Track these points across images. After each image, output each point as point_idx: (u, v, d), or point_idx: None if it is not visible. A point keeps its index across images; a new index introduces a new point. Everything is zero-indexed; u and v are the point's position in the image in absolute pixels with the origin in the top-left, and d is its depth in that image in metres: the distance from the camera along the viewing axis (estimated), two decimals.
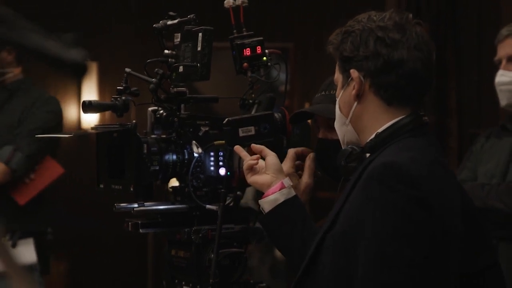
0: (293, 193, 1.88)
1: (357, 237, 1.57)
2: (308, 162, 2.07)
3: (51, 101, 3.58)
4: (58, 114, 3.58)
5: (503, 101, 2.91)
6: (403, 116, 1.70)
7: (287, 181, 1.88)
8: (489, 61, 3.21)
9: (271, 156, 1.91)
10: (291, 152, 2.07)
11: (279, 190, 1.86)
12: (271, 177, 1.88)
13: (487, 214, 2.72)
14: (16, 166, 3.37)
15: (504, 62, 2.89)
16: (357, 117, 1.75)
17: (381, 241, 1.54)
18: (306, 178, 2.05)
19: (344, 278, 1.59)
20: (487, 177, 2.87)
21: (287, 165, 2.05)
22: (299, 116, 2.18)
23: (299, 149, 2.09)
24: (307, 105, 5.25)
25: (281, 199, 1.85)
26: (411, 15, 1.73)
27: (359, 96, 1.72)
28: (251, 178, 1.91)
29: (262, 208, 1.89)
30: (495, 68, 2.99)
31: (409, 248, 1.53)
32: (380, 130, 1.71)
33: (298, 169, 2.09)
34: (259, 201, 1.89)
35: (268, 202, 1.86)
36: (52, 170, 3.52)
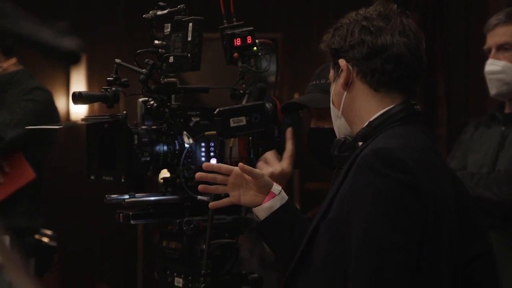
0: (285, 197, 1.88)
1: (349, 224, 1.58)
2: (289, 151, 2.08)
3: (35, 92, 3.22)
4: (41, 104, 3.22)
5: (492, 90, 2.91)
6: (394, 105, 1.72)
7: (275, 188, 1.88)
8: (477, 51, 3.22)
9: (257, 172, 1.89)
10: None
11: (272, 198, 1.86)
12: (257, 195, 1.88)
13: (476, 203, 2.73)
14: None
15: (493, 51, 2.88)
16: (347, 107, 1.76)
17: (372, 226, 1.55)
18: (285, 165, 2.07)
19: (338, 264, 1.60)
20: (477, 166, 2.87)
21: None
22: (289, 106, 2.18)
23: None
24: (296, 95, 5.25)
25: (277, 205, 1.86)
26: (395, 6, 1.75)
27: (347, 85, 1.74)
28: (242, 201, 1.89)
29: (256, 216, 1.89)
30: (483, 57, 2.99)
31: (400, 233, 1.54)
32: (371, 118, 1.72)
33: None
34: (253, 209, 1.89)
35: (263, 210, 1.87)
36: (23, 175, 3.21)
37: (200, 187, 1.90)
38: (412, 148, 1.63)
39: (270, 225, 1.86)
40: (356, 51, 1.72)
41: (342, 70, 1.74)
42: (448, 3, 5.24)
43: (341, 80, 1.75)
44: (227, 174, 1.88)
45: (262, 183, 1.87)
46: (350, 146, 1.77)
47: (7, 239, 3.09)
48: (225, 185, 1.90)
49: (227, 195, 1.91)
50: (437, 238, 1.58)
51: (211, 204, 1.91)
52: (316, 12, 5.48)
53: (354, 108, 1.75)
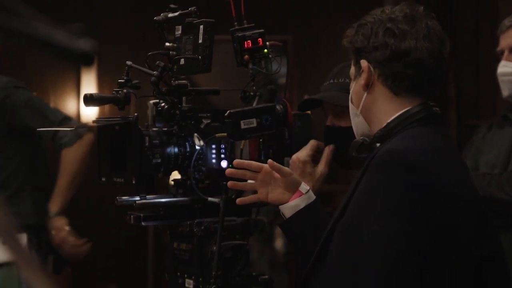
0: (313, 197, 1.89)
1: (362, 224, 1.59)
2: (327, 151, 2.14)
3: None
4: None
5: (505, 92, 2.90)
6: (412, 106, 1.72)
7: (303, 187, 1.89)
8: (487, 52, 3.21)
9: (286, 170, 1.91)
10: (313, 142, 2.14)
11: (299, 196, 1.88)
12: (284, 193, 1.89)
13: (487, 203, 2.73)
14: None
15: (506, 52, 2.88)
16: (367, 107, 1.77)
17: (382, 227, 1.56)
18: (322, 167, 2.12)
19: (350, 265, 1.60)
20: (489, 167, 2.87)
21: (305, 152, 2.12)
22: (307, 103, 2.20)
23: (320, 142, 2.15)
24: (306, 97, 5.25)
25: (302, 204, 1.87)
26: (422, 8, 1.76)
27: (368, 86, 1.75)
28: (269, 198, 1.92)
29: (282, 214, 1.90)
30: (493, 58, 2.98)
31: (411, 234, 1.54)
32: (389, 120, 1.72)
33: (312, 160, 2.13)
34: (279, 207, 1.90)
35: (289, 208, 1.88)
36: None
37: (230, 183, 1.91)
38: (427, 149, 1.64)
39: (294, 223, 1.87)
40: (379, 53, 1.71)
41: (363, 71, 1.74)
42: (457, 3, 5.23)
43: (361, 81, 1.75)
44: (257, 171, 1.90)
45: (290, 181, 1.88)
46: (368, 148, 1.77)
47: (23, 237, 3.14)
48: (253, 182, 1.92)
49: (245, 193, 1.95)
50: (452, 238, 1.58)
51: (238, 200, 1.93)
52: (326, 14, 5.47)
53: (373, 109, 1.76)
